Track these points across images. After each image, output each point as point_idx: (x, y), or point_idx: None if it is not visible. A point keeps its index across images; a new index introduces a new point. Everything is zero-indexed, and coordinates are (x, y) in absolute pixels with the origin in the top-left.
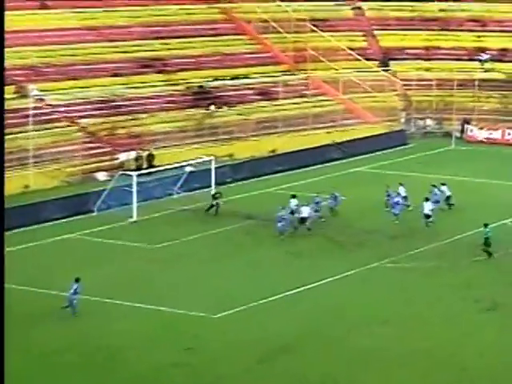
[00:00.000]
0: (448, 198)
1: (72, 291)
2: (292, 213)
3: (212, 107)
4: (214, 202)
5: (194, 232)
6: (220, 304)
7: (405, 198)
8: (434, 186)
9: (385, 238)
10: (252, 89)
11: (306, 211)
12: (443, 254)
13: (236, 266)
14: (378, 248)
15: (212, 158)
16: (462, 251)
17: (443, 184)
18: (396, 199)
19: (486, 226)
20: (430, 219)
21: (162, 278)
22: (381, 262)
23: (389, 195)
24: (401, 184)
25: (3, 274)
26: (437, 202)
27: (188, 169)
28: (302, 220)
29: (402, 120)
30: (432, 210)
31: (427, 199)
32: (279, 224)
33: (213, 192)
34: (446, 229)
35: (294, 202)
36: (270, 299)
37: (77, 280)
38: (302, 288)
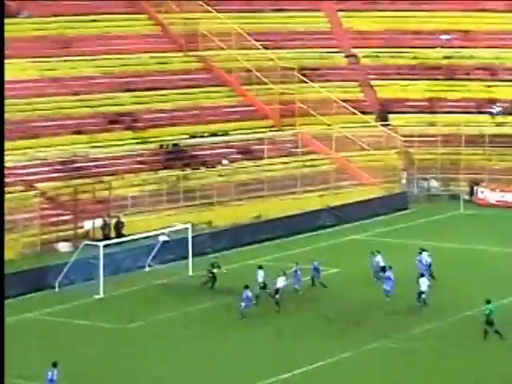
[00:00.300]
0: (429, 266)
1: (49, 378)
2: (263, 287)
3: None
4: (210, 274)
5: (169, 310)
6: None
7: (383, 268)
8: (421, 251)
9: (383, 314)
10: (233, 147)
11: (281, 282)
12: (449, 333)
13: (215, 350)
14: (375, 326)
15: (188, 225)
16: (469, 330)
17: (423, 250)
18: (387, 273)
19: (488, 302)
20: (424, 296)
21: (134, 365)
22: (379, 342)
23: (377, 266)
24: (378, 252)
25: (3, 275)
26: (423, 274)
27: (161, 238)
28: (277, 292)
29: (403, 181)
30: (429, 286)
31: (422, 275)
32: (242, 304)
33: (211, 261)
34: (451, 304)
35: (260, 274)
36: None
37: (54, 365)
38: (289, 374)
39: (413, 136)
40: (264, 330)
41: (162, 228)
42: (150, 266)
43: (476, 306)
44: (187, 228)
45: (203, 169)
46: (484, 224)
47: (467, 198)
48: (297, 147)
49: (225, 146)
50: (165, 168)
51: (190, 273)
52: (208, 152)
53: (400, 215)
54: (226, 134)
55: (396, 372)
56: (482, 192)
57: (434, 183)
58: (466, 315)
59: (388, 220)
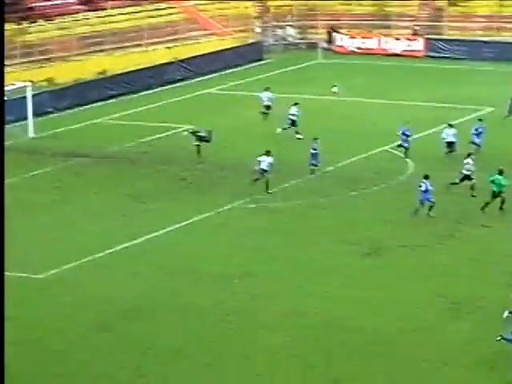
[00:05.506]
0: (293, 122)
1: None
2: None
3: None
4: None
5: (8, 175)
6: (44, 261)
7: (293, 122)
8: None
9: (243, 173)
10: None
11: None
12: (314, 189)
13: (61, 216)
14: (235, 186)
15: (28, 83)
16: (335, 186)
17: (295, 104)
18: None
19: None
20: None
21: None
22: (239, 202)
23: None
24: (295, 104)
25: (3, 271)
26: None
27: None
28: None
29: (258, 30)
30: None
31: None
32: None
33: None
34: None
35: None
36: (105, 253)
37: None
38: (143, 238)
39: None
40: (116, 194)
41: None
42: None
43: (344, 160)
44: (26, 86)
45: (42, 21)
46: (344, 73)
47: (326, 46)
48: None
49: None
50: None
51: (31, 134)
52: (46, 3)
53: (255, 66)
54: None
55: (253, 234)
56: (341, 39)
57: (290, 31)
58: (334, 169)
59: (242, 72)
